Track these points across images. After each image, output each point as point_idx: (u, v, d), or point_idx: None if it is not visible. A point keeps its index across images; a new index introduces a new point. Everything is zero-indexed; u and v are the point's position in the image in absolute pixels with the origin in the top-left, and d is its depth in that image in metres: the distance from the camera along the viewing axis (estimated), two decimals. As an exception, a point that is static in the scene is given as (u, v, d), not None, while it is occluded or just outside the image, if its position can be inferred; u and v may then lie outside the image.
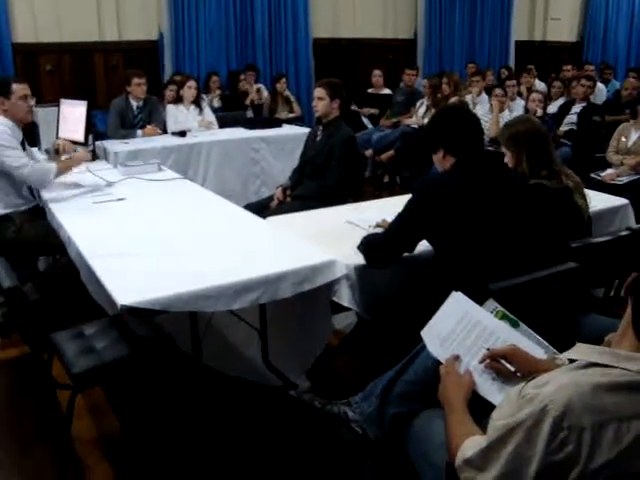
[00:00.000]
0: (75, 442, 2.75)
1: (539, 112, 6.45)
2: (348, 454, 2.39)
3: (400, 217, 2.55)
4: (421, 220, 2.48)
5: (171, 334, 2.70)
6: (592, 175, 5.38)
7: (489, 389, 1.80)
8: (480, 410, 1.60)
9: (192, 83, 6.47)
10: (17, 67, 7.47)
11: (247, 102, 8.04)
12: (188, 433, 2.77)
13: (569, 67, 9.17)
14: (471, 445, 1.48)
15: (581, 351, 1.41)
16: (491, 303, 1.98)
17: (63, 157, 4.33)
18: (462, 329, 1.92)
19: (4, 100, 3.80)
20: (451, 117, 2.64)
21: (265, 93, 8.36)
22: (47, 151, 4.06)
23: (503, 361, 1.83)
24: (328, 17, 9.66)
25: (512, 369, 1.82)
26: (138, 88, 5.89)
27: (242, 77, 8.20)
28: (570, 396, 1.28)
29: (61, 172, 3.81)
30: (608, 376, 1.30)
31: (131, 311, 2.23)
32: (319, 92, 4.28)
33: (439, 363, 1.89)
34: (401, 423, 2.03)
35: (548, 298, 2.27)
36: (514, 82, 7.67)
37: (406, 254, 2.60)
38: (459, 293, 1.99)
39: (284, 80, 8.35)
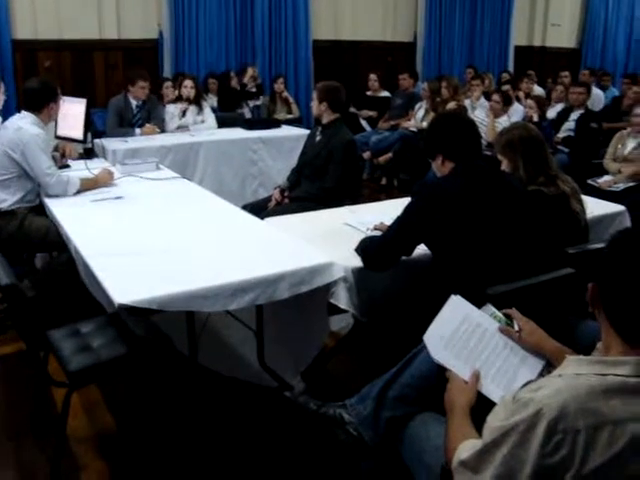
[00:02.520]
0: (70, 440, 2.75)
1: (535, 118, 6.47)
2: (343, 456, 2.40)
3: (399, 220, 2.55)
4: (420, 224, 2.49)
5: (168, 334, 2.70)
6: (589, 181, 5.39)
7: (493, 390, 1.81)
8: (484, 416, 1.61)
9: (188, 82, 6.46)
10: (16, 64, 7.48)
11: (246, 81, 8.00)
12: (183, 432, 2.78)
13: (566, 73, 9.20)
14: (467, 447, 1.49)
15: (570, 365, 1.42)
16: (489, 308, 2.00)
17: (68, 161, 4.41)
18: (464, 331, 1.93)
19: (53, 105, 3.83)
20: (448, 124, 2.65)
21: (257, 72, 8.33)
22: (54, 157, 4.06)
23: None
24: (328, 19, 9.68)
25: (516, 328, 1.90)
26: (141, 91, 5.90)
27: (232, 75, 8.16)
28: (565, 400, 1.29)
29: (83, 189, 3.80)
30: (602, 380, 1.31)
31: (128, 310, 2.23)
32: (313, 94, 4.44)
33: (438, 367, 1.90)
34: (396, 426, 2.03)
35: (544, 303, 2.28)
36: (508, 87, 7.69)
37: (404, 257, 2.61)
38: (458, 296, 2.00)
39: (282, 80, 8.36)
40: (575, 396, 1.29)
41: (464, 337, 1.92)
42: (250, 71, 8.15)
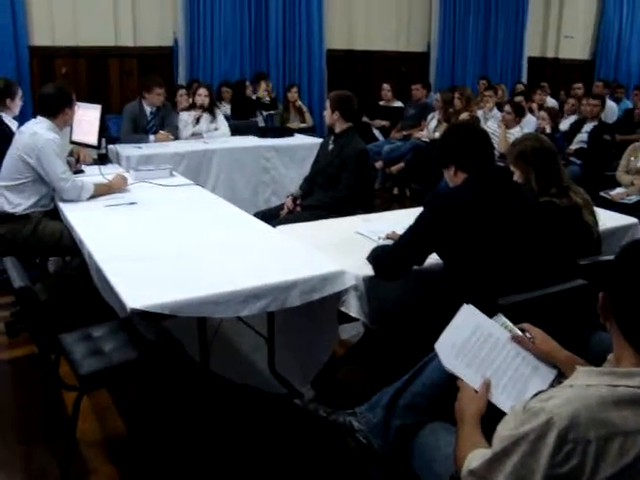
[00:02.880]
0: (80, 443, 2.76)
1: (548, 129, 6.46)
2: (352, 464, 2.39)
3: (411, 230, 2.56)
4: (432, 234, 2.49)
5: (179, 339, 2.71)
6: (601, 194, 5.38)
7: (504, 400, 1.81)
8: (494, 426, 1.61)
9: (202, 90, 6.49)
10: (33, 70, 7.56)
11: (260, 96, 8.04)
12: (193, 438, 2.78)
13: (580, 85, 9.19)
14: (476, 457, 1.49)
15: (580, 376, 1.42)
16: (500, 318, 1.99)
17: (83, 166, 4.45)
18: (475, 341, 1.93)
19: (68, 110, 3.87)
20: (461, 134, 2.67)
21: (271, 85, 8.36)
22: (68, 162, 4.09)
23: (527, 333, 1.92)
24: (342, 29, 9.73)
25: (529, 335, 1.90)
26: (157, 97, 5.91)
27: (247, 84, 8.21)
28: (576, 409, 1.29)
29: (97, 194, 3.83)
30: (613, 390, 1.31)
31: (140, 315, 2.24)
32: (326, 103, 4.47)
33: (450, 376, 1.90)
34: (406, 435, 2.03)
35: (556, 315, 2.28)
36: (521, 98, 7.69)
37: (415, 267, 2.61)
38: (470, 306, 2.00)
39: (295, 89, 8.39)
40: (586, 406, 1.29)
41: (476, 346, 1.92)
42: (263, 85, 8.17)
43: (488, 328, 1.96)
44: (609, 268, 1.38)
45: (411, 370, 2.14)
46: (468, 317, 1.99)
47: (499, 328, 1.96)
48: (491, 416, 1.72)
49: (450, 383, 1.89)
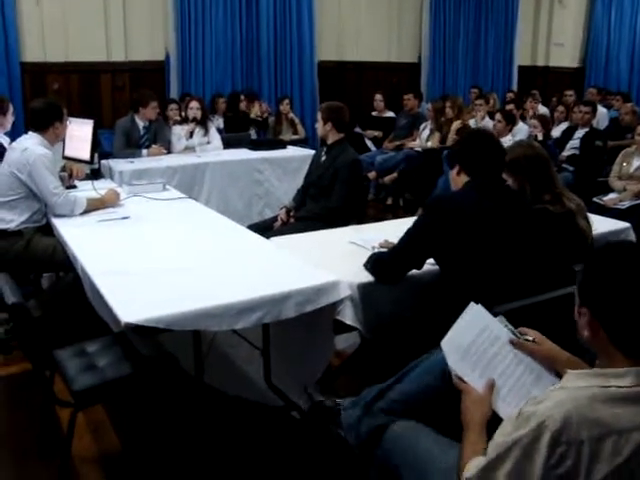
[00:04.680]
0: (75, 460, 2.74)
1: (540, 137, 6.48)
2: (350, 472, 2.38)
3: (409, 233, 2.58)
4: (429, 237, 2.51)
5: (174, 353, 2.70)
6: (594, 199, 5.40)
7: (505, 407, 1.80)
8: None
9: (194, 104, 6.50)
10: (25, 86, 7.56)
11: (253, 116, 8.07)
12: (189, 452, 2.76)
13: (571, 92, 9.22)
14: (473, 465, 1.49)
15: (571, 378, 1.42)
16: (502, 319, 1.98)
17: (75, 181, 4.43)
18: (482, 343, 1.91)
19: (58, 124, 3.86)
20: (474, 139, 2.70)
21: (265, 106, 8.39)
22: (61, 178, 4.08)
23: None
24: (333, 40, 9.76)
25: (530, 338, 1.87)
26: (153, 111, 5.93)
27: (242, 98, 8.24)
28: (568, 411, 1.30)
29: (89, 209, 3.81)
30: (604, 391, 1.32)
31: (135, 329, 2.23)
32: (318, 115, 4.43)
33: (444, 383, 1.89)
34: (377, 436, 2.02)
35: (552, 321, 2.28)
36: (512, 107, 7.72)
37: (410, 273, 2.62)
38: (479, 305, 1.98)
39: (287, 101, 8.40)
40: (577, 407, 1.30)
41: (481, 349, 1.90)
42: (257, 106, 8.18)
43: (495, 331, 1.93)
44: (585, 284, 1.39)
45: (398, 372, 2.13)
46: (476, 317, 1.96)
47: (505, 331, 1.94)
48: (494, 422, 1.71)
49: (447, 389, 1.88)
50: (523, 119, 7.84)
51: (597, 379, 1.36)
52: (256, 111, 8.13)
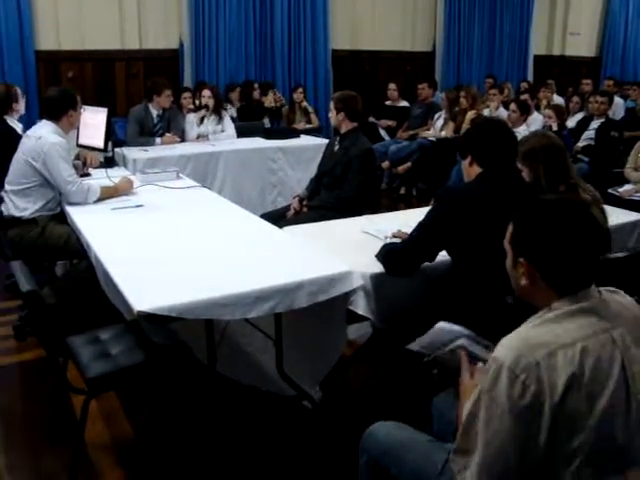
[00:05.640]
0: (89, 447, 2.76)
1: (554, 127, 6.43)
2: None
3: (421, 225, 2.56)
4: (442, 229, 2.49)
5: (186, 341, 2.71)
6: (610, 191, 5.35)
7: None
8: None
9: (206, 92, 6.50)
10: (40, 74, 7.59)
11: (267, 105, 8.05)
12: (201, 440, 2.78)
13: (588, 81, 9.14)
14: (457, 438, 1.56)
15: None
16: (471, 335, 1.98)
17: (90, 170, 4.44)
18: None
19: (72, 112, 3.87)
20: (486, 129, 2.65)
21: (279, 96, 8.36)
22: (75, 166, 4.09)
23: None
24: (348, 29, 9.72)
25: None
26: (167, 99, 5.95)
27: (256, 87, 8.23)
28: (516, 345, 1.44)
29: (103, 197, 3.83)
30: (543, 319, 1.49)
31: (147, 317, 2.24)
32: (331, 104, 4.41)
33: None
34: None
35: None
36: (526, 96, 7.67)
37: (423, 265, 2.61)
38: (445, 323, 2.00)
39: (301, 90, 8.37)
40: (524, 339, 1.46)
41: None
42: (271, 96, 8.15)
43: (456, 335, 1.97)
44: (520, 237, 1.57)
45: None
46: (443, 329, 1.99)
47: (464, 339, 1.95)
48: None
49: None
50: (538, 109, 7.78)
51: (537, 319, 1.51)
52: (270, 101, 8.11)
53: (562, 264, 1.50)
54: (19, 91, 4.89)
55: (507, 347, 1.44)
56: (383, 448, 1.92)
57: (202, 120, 6.39)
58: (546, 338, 1.43)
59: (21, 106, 4.88)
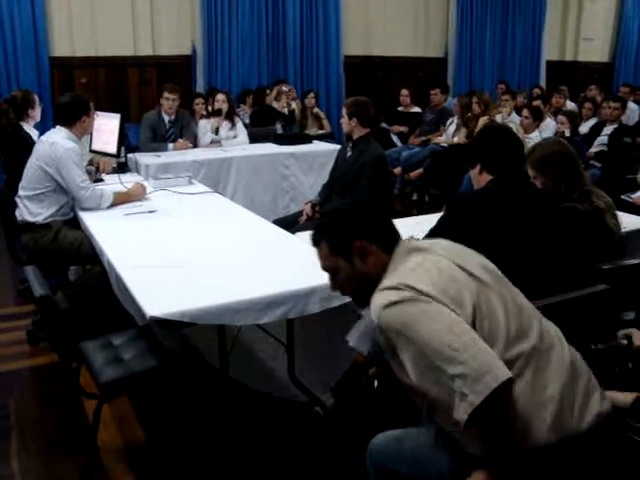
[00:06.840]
0: (101, 452, 2.77)
1: (567, 133, 6.40)
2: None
3: (432, 233, 2.55)
4: (452, 236, 2.47)
5: (198, 347, 2.71)
6: (623, 197, 5.31)
7: None
8: None
9: (220, 96, 6.51)
10: (54, 80, 7.65)
11: (280, 108, 8.05)
12: (213, 445, 2.78)
13: (592, 87, 9.10)
14: None
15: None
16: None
17: (103, 175, 4.49)
18: None
19: (86, 118, 3.89)
20: (494, 135, 2.65)
21: (292, 90, 8.35)
22: (88, 172, 4.12)
23: None
24: (360, 35, 9.73)
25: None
26: (166, 102, 5.95)
27: (268, 92, 8.24)
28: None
29: (116, 202, 3.85)
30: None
31: (160, 322, 2.25)
32: (343, 110, 4.40)
33: None
34: None
35: (578, 320, 2.25)
36: (539, 102, 7.64)
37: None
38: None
39: (312, 95, 8.34)
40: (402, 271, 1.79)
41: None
42: (284, 97, 8.11)
43: None
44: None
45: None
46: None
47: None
48: None
49: None
50: (556, 114, 7.74)
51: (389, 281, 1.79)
52: (282, 103, 8.09)
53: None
54: (36, 98, 4.93)
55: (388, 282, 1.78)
56: (388, 456, 1.92)
57: (217, 131, 6.38)
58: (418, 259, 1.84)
59: (37, 113, 4.92)
